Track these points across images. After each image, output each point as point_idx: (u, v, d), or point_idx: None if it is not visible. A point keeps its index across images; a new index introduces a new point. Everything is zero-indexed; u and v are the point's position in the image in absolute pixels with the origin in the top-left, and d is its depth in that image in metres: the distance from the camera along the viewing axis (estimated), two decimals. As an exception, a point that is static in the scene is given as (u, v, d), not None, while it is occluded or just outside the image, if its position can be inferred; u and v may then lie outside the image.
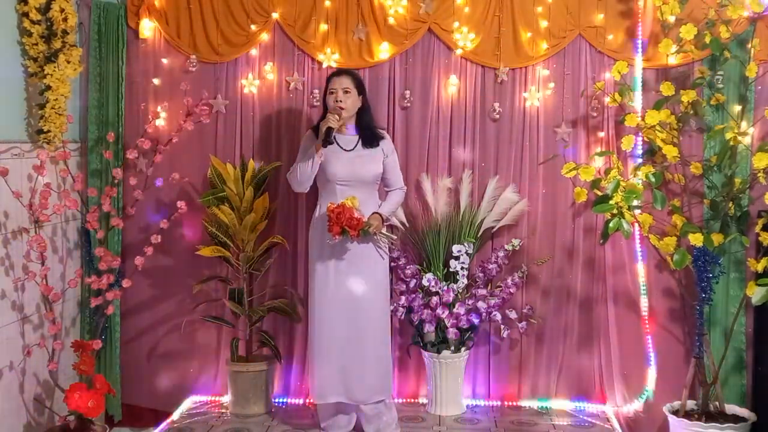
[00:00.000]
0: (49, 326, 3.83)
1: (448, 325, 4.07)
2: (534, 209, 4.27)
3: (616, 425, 4.05)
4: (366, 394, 3.79)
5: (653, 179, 3.78)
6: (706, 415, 3.87)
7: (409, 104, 4.28)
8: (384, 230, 3.85)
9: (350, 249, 3.75)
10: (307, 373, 4.33)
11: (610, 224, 3.72)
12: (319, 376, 3.79)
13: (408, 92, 4.28)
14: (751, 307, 4.00)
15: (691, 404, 3.98)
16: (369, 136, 3.85)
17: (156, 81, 4.39)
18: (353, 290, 3.75)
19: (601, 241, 3.89)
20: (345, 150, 3.81)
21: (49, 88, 3.80)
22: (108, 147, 4.22)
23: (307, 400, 4.35)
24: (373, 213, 3.77)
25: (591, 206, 3.91)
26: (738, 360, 4.10)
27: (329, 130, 3.64)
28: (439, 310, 4.06)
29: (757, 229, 3.80)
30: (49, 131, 3.84)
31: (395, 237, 4.00)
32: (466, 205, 4.21)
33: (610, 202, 3.71)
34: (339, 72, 3.87)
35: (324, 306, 3.77)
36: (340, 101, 3.73)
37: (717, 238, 3.84)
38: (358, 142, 3.84)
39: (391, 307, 4.03)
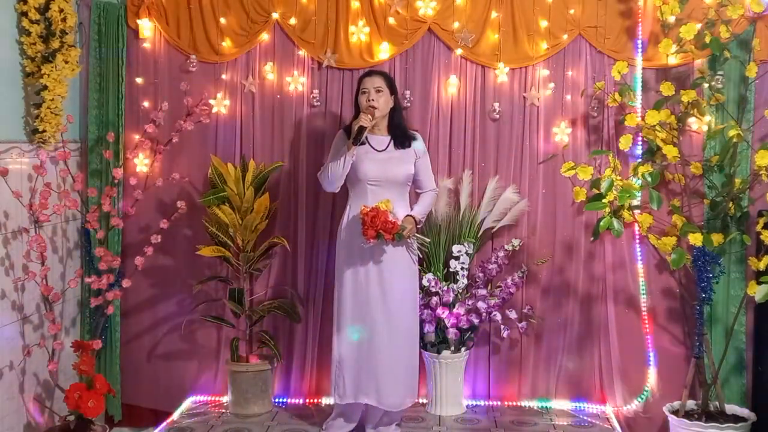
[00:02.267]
0: (49, 326, 3.82)
1: (448, 325, 4.07)
2: (534, 209, 4.27)
3: (616, 425, 4.05)
4: (398, 400, 3.76)
5: (650, 179, 3.78)
6: (706, 415, 3.87)
7: (409, 104, 4.28)
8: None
9: (382, 252, 3.71)
10: (311, 373, 4.36)
11: (601, 223, 3.73)
12: (347, 377, 3.74)
13: (408, 92, 4.27)
14: (751, 306, 4.00)
15: (691, 404, 3.98)
16: (400, 136, 3.83)
17: (156, 81, 4.39)
18: (385, 294, 3.71)
19: (592, 239, 3.90)
20: (377, 150, 3.79)
21: (45, 87, 3.79)
22: (108, 147, 4.22)
23: (308, 400, 4.36)
24: (406, 216, 3.75)
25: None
26: (738, 360, 4.10)
27: (361, 129, 3.63)
28: (439, 310, 4.06)
29: (758, 227, 3.79)
30: (44, 131, 3.83)
31: (428, 239, 4.00)
32: (466, 205, 4.21)
33: (603, 200, 3.71)
34: (371, 72, 3.85)
35: (355, 310, 3.73)
36: (373, 100, 3.72)
37: (717, 238, 3.84)
38: (390, 142, 3.82)
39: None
